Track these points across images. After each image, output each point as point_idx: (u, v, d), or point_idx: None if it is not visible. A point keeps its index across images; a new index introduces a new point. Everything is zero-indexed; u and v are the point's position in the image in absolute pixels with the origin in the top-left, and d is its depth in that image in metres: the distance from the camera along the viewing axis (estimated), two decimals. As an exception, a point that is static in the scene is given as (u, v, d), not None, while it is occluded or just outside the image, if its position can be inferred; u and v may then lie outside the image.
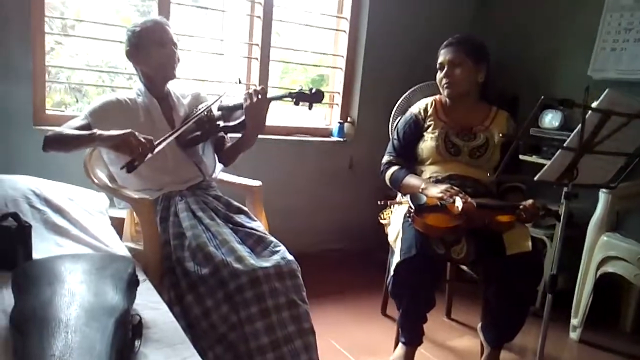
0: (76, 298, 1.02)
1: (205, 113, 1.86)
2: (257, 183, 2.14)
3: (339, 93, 3.17)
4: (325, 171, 3.14)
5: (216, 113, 1.91)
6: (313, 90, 1.76)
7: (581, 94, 1.40)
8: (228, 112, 1.90)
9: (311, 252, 3.08)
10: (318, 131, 3.13)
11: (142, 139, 1.60)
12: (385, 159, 2.20)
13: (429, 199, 1.90)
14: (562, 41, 3.03)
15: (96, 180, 1.82)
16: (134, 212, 1.82)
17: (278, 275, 1.59)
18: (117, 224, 2.02)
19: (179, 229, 1.72)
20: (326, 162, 3.13)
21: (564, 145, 1.44)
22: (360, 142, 3.18)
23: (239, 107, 1.89)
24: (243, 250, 1.64)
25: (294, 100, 1.78)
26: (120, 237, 1.95)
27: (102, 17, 3.09)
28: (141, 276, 1.45)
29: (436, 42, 3.17)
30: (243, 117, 1.84)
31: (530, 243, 1.81)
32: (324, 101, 3.13)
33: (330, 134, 3.18)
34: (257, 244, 1.73)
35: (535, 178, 1.54)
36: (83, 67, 3.64)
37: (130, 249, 1.81)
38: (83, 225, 1.78)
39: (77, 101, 6.36)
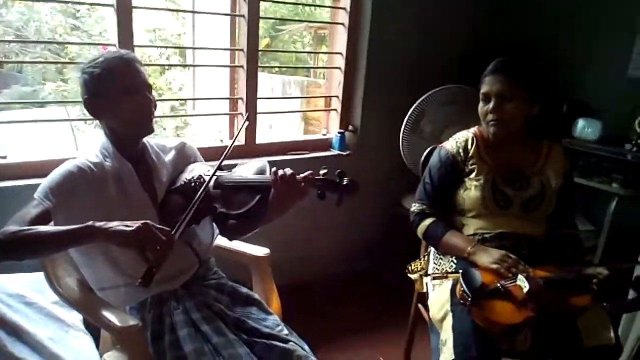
0: None
1: (202, 190, 1.39)
2: (264, 251, 1.72)
3: (337, 97, 2.71)
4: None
5: (213, 189, 1.44)
6: (345, 181, 1.22)
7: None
8: (230, 192, 1.42)
9: (316, 281, 2.74)
10: (316, 144, 2.68)
11: (160, 232, 1.17)
12: (417, 207, 1.81)
13: (484, 275, 1.55)
14: (593, 34, 2.59)
15: (62, 291, 1.36)
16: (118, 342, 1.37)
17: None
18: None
19: (178, 352, 1.32)
20: (327, 178, 2.71)
21: None
22: (364, 153, 2.75)
23: (250, 186, 1.40)
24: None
25: (319, 192, 1.27)
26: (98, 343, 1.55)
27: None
28: None
29: (451, 35, 2.72)
30: (254, 202, 1.37)
31: (612, 334, 1.49)
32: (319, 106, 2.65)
33: (329, 146, 2.74)
34: (280, 362, 1.36)
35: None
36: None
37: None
38: (50, 351, 1.36)
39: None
